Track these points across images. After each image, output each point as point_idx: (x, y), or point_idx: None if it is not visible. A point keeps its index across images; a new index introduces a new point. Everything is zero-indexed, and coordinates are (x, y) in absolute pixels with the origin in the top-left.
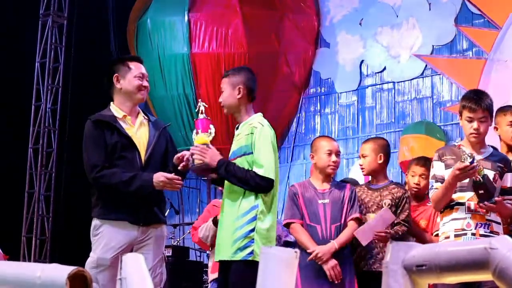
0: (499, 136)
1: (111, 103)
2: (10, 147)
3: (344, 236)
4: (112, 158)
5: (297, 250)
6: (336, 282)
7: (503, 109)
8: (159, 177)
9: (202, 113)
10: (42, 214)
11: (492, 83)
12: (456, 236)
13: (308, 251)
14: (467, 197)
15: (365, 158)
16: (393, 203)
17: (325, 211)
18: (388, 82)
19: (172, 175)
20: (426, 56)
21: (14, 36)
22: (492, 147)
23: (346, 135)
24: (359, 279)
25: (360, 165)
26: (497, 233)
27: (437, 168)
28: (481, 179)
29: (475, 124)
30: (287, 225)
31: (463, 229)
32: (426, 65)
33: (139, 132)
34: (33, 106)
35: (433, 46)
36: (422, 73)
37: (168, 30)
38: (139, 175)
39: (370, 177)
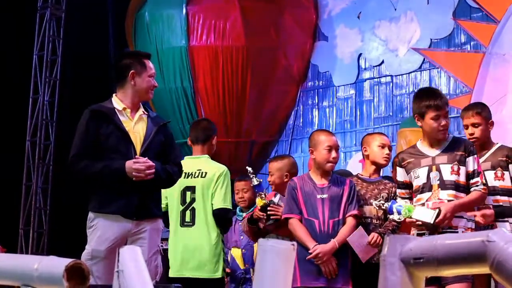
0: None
1: (114, 95)
2: (8, 140)
3: (343, 233)
4: (107, 150)
5: (294, 242)
6: (330, 278)
7: (464, 110)
8: (129, 165)
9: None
10: (39, 207)
11: (490, 77)
12: (418, 235)
13: (309, 251)
14: (425, 198)
15: (391, 151)
16: (389, 197)
17: (323, 206)
18: (386, 76)
19: (142, 162)
20: (424, 49)
21: (12, 28)
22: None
23: (344, 129)
24: (358, 272)
25: (388, 154)
26: (456, 228)
27: (399, 174)
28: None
29: (443, 121)
30: (285, 220)
31: (422, 229)
32: (424, 59)
33: (137, 126)
34: (30, 99)
35: (431, 39)
36: (420, 67)
37: (166, 23)
38: (110, 166)
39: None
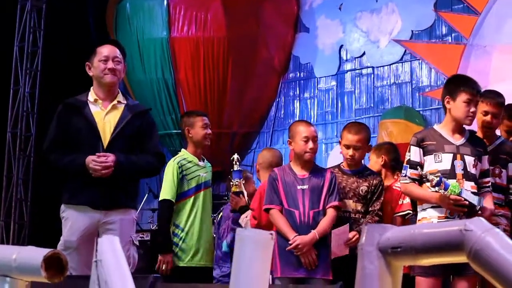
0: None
1: (91, 87)
2: None
3: (323, 224)
4: (77, 143)
5: (273, 232)
6: (309, 268)
7: (486, 94)
8: (89, 162)
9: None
10: (20, 199)
11: (471, 68)
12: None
13: (289, 242)
14: None
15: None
16: (369, 190)
17: (303, 196)
18: (367, 67)
19: (100, 161)
20: (405, 41)
21: None
22: (470, 130)
23: (325, 120)
24: (339, 262)
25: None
26: None
27: (414, 154)
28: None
29: (472, 108)
30: (266, 211)
31: (447, 217)
32: (405, 50)
33: (108, 116)
34: (11, 90)
35: (412, 31)
36: (401, 58)
37: (147, 14)
38: (74, 161)
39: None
